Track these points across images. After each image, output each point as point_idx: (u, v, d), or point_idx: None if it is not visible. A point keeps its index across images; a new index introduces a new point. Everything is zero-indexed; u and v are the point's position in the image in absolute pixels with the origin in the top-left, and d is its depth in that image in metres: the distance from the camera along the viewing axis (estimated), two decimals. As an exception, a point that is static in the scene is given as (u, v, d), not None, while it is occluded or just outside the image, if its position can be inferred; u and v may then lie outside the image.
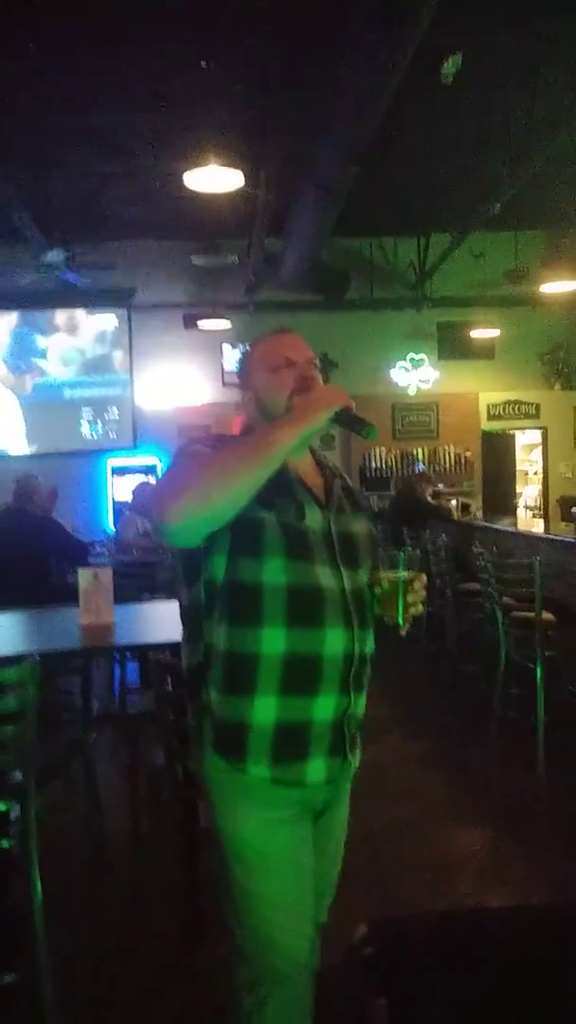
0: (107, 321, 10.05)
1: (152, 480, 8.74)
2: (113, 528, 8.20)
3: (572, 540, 5.15)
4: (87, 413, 10.02)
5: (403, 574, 1.69)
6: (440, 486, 9.63)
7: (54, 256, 8.40)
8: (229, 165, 5.39)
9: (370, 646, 1.74)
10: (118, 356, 10.07)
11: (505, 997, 0.74)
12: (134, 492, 7.12)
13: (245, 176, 5.60)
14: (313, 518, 1.69)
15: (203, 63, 5.49)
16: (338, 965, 0.68)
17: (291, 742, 1.64)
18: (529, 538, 5.80)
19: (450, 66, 5.74)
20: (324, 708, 1.66)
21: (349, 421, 1.63)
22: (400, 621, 1.70)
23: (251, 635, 1.62)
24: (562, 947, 0.70)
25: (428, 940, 0.62)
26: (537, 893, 3.10)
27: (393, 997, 0.76)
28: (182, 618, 1.74)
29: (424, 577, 1.72)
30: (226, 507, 1.54)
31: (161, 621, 3.35)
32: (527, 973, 0.68)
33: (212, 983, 1.78)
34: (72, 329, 10.03)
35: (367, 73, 5.07)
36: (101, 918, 2.85)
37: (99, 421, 10.04)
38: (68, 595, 3.85)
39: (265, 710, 1.62)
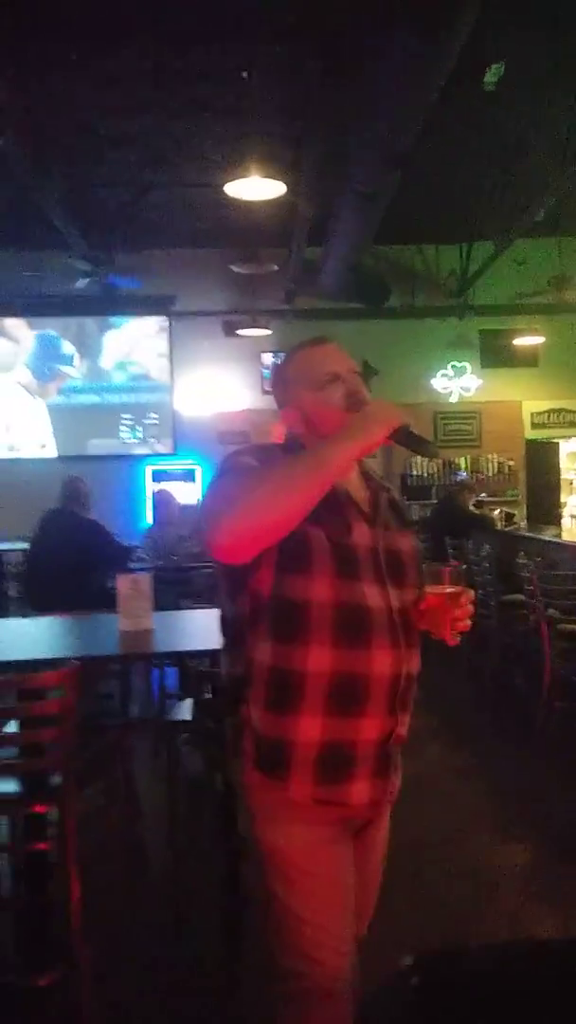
0: (148, 327, 10.14)
1: (178, 487, 8.47)
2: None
3: (618, 550, 5.05)
4: (127, 418, 10.11)
5: (449, 589, 1.64)
6: (483, 495, 9.53)
7: (94, 263, 8.51)
8: (270, 175, 5.40)
9: (416, 666, 1.70)
10: (159, 362, 10.15)
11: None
12: (154, 499, 7.00)
13: (286, 184, 5.61)
14: (360, 534, 1.65)
15: (243, 73, 5.51)
16: (384, 991, 0.64)
17: (336, 763, 1.61)
18: (575, 549, 5.70)
19: (492, 74, 5.71)
20: (370, 729, 1.62)
21: (408, 440, 1.58)
22: (447, 637, 1.66)
23: (297, 653, 1.58)
24: None
25: (479, 972, 0.59)
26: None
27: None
28: (222, 628, 1.71)
29: (471, 593, 1.67)
30: (279, 526, 1.50)
31: (200, 629, 3.34)
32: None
33: (252, 994, 1.76)
34: (114, 335, 10.14)
35: (407, 81, 5.05)
36: (140, 923, 2.84)
37: (139, 426, 10.12)
38: (107, 600, 3.87)
39: (310, 729, 1.59)
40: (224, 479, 1.59)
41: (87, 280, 8.80)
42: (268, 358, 10.09)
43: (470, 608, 1.66)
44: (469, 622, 1.67)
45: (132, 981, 2.65)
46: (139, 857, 3.33)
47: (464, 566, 1.72)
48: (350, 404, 1.66)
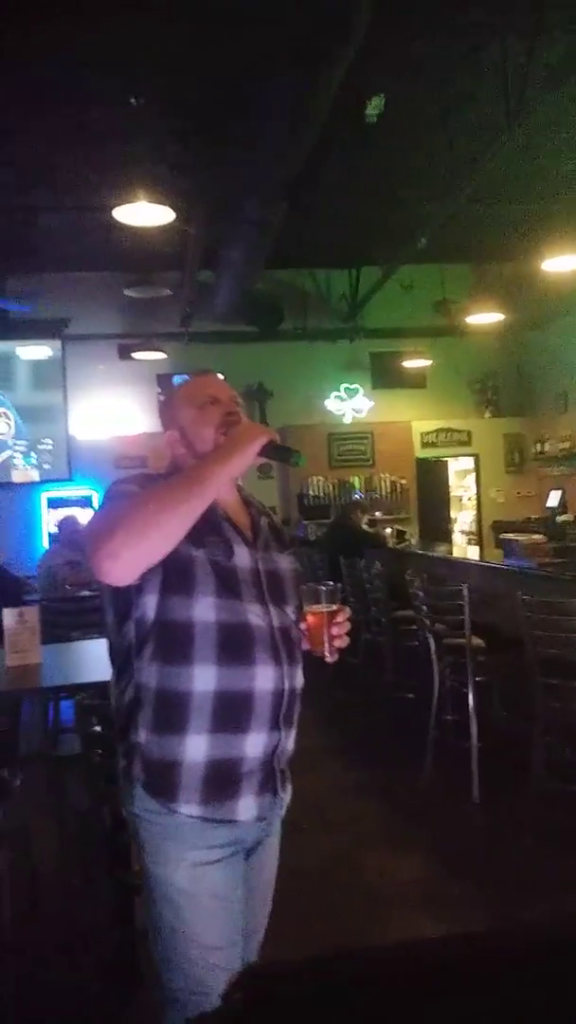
0: (40, 352, 9.96)
1: (77, 513, 8.41)
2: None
3: (502, 566, 5.25)
4: (20, 445, 9.88)
5: (327, 608, 1.72)
6: (377, 514, 9.74)
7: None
8: (158, 201, 5.44)
9: (299, 682, 1.76)
10: (52, 387, 9.97)
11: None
12: (60, 525, 6.97)
13: (175, 211, 5.66)
14: (241, 556, 1.71)
15: (132, 99, 5.54)
16: (207, 1015, 0.66)
17: (222, 780, 1.65)
18: (461, 565, 5.90)
19: (373, 107, 5.94)
20: (255, 745, 1.67)
21: (275, 452, 1.69)
22: (327, 654, 1.74)
23: (182, 673, 1.63)
24: (472, 987, 0.66)
25: (310, 984, 0.61)
26: (474, 921, 3.12)
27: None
28: (111, 658, 1.74)
29: (348, 610, 1.76)
30: (161, 543, 1.56)
31: (91, 660, 3.30)
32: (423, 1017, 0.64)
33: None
34: (4, 360, 9.91)
35: (290, 112, 5.19)
36: (30, 964, 2.78)
37: (33, 453, 9.91)
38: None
39: (196, 748, 1.62)
40: (107, 505, 1.65)
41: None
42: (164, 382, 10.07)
43: (347, 625, 1.76)
44: (347, 639, 1.76)
45: (23, 1019, 2.58)
46: (29, 897, 3.25)
47: (340, 585, 1.80)
48: (225, 422, 1.78)
